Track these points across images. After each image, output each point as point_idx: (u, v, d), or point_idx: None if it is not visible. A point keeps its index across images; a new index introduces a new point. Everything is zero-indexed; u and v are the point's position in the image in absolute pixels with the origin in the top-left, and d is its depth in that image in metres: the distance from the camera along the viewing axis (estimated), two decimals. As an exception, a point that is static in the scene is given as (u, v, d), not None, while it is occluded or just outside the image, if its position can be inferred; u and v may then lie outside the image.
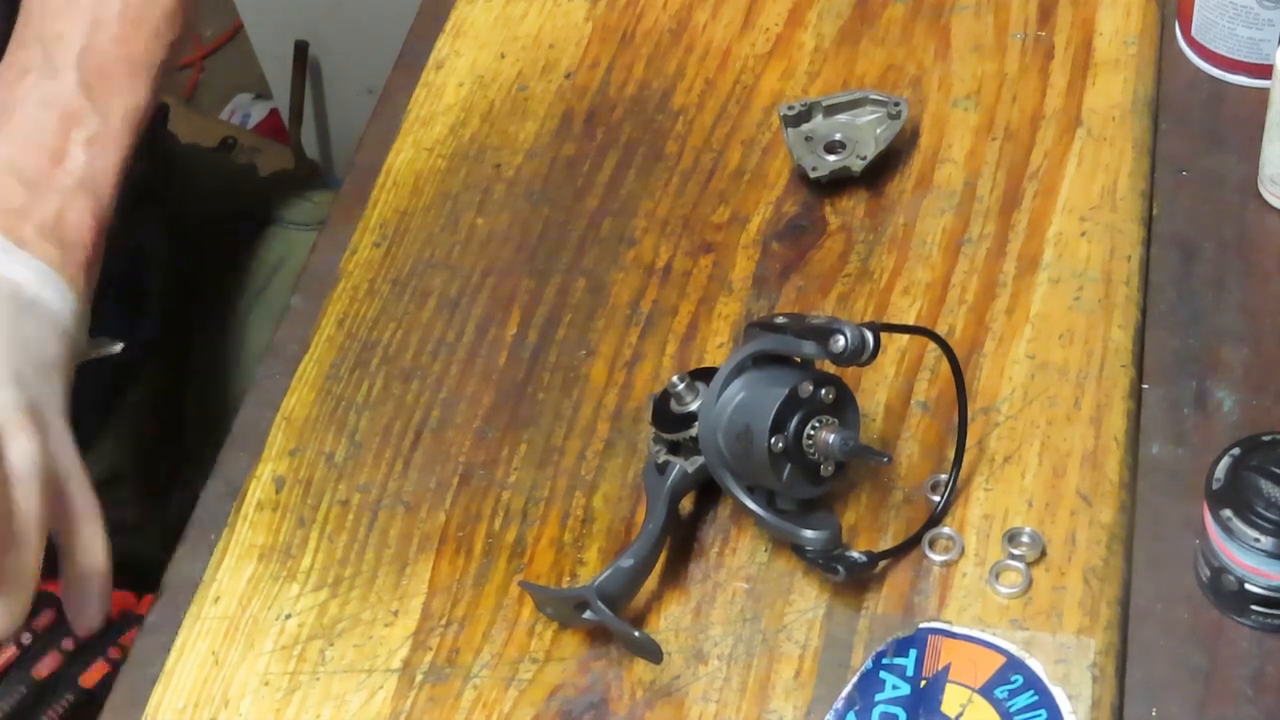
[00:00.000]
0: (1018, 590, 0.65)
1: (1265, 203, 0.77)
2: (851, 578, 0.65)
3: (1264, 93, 0.74)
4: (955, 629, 0.64)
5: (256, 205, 1.01)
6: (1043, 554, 0.66)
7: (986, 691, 0.62)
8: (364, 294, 0.82)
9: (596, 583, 0.65)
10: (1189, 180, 0.79)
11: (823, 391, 0.66)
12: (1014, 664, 0.63)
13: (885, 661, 0.64)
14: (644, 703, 0.65)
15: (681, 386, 0.68)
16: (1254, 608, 0.63)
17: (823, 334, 0.63)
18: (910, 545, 0.67)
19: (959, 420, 0.68)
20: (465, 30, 0.93)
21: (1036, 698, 0.62)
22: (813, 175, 0.80)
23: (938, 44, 0.87)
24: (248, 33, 1.76)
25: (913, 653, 0.64)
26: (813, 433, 0.65)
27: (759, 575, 0.68)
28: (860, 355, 0.63)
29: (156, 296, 0.95)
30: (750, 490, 0.66)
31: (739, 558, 0.69)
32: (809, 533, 0.65)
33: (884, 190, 0.81)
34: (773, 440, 0.64)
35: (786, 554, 0.68)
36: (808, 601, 0.67)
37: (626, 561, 0.66)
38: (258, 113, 2.00)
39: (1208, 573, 0.64)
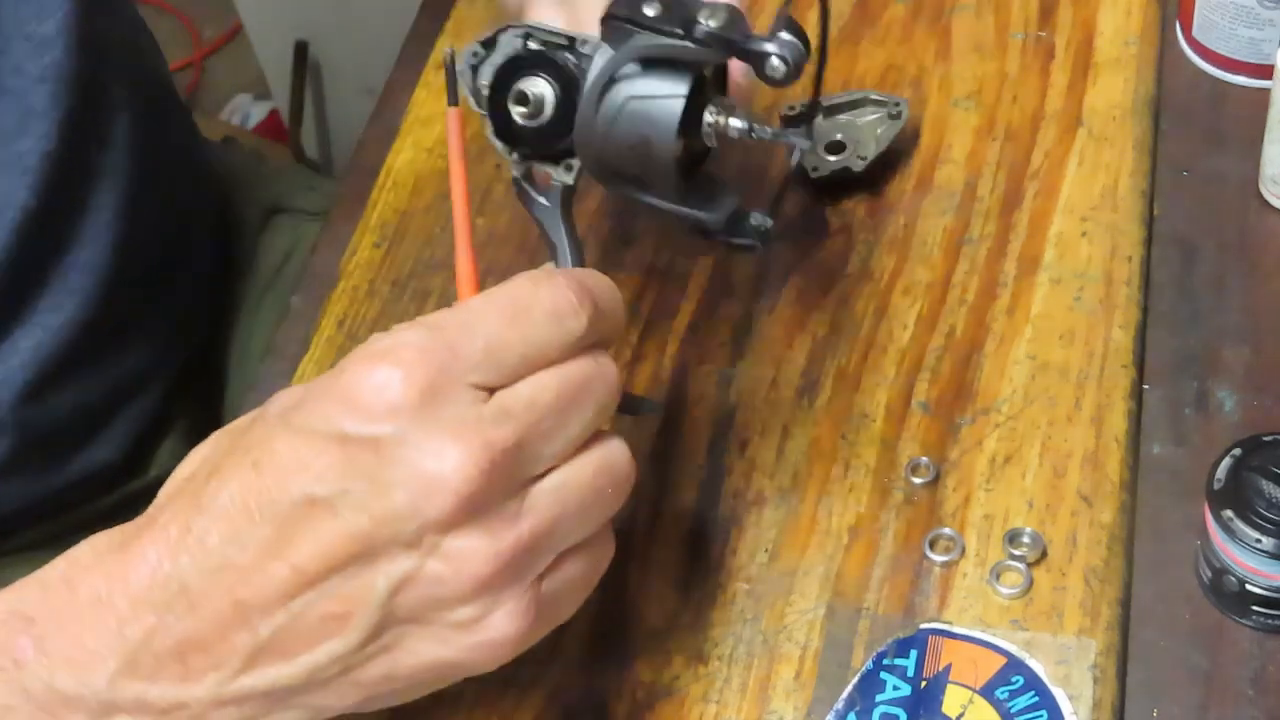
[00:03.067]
0: (1018, 591, 0.65)
1: (1266, 203, 0.77)
2: (765, 244, 0.60)
3: (1265, 93, 0.74)
4: (956, 629, 0.64)
5: (264, 194, 1.02)
6: (1043, 554, 0.66)
7: (987, 692, 0.62)
8: (364, 295, 0.81)
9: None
10: (1190, 180, 0.79)
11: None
12: (1015, 664, 0.63)
13: (886, 662, 0.64)
14: (644, 703, 0.65)
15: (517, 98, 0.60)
16: (1255, 608, 0.63)
17: (742, 52, 0.58)
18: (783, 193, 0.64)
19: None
20: (465, 30, 0.93)
21: (1037, 698, 0.62)
22: (813, 175, 0.80)
23: (938, 44, 0.87)
24: (248, 33, 1.76)
25: (913, 653, 0.64)
26: (712, 120, 0.60)
27: (759, 575, 0.68)
28: (799, 70, 0.58)
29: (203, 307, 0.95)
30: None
31: (739, 558, 0.69)
32: (709, 214, 0.60)
33: (884, 190, 0.81)
34: (678, 145, 0.59)
35: (787, 554, 0.68)
36: (808, 602, 0.67)
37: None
38: (258, 113, 2.00)
39: (1209, 573, 0.64)
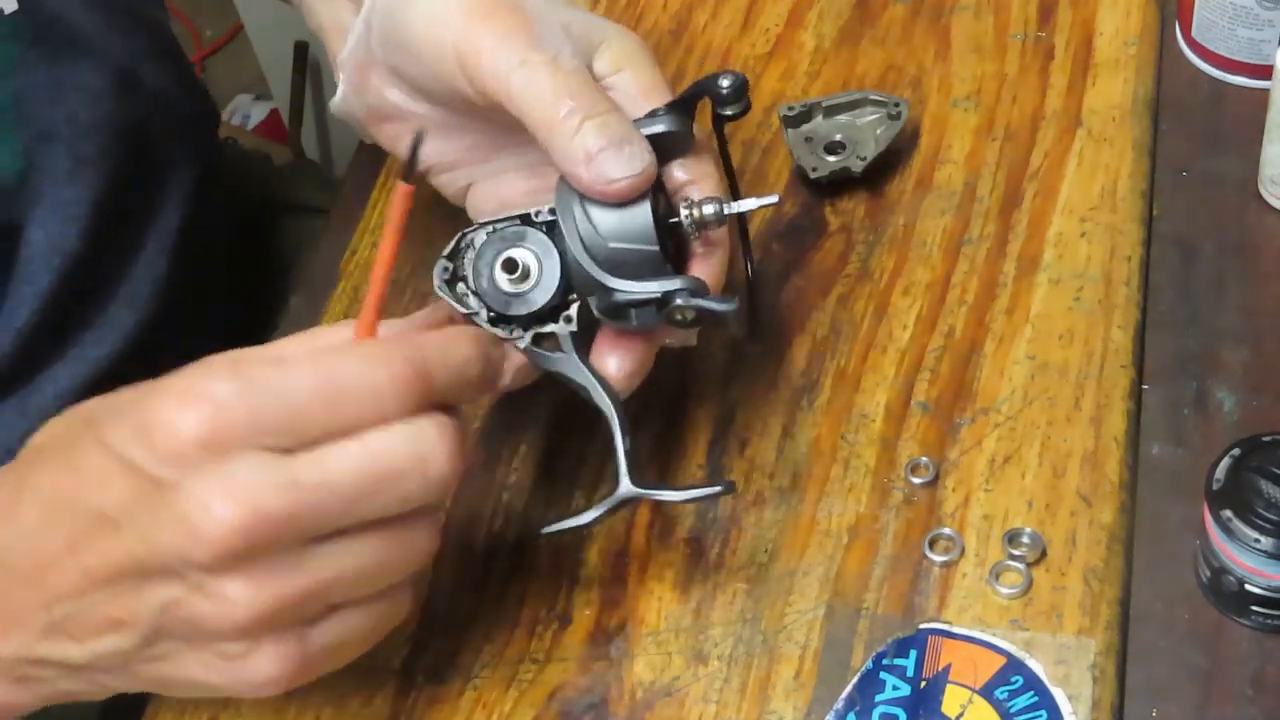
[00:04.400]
0: (1018, 591, 0.65)
1: (1265, 203, 0.77)
2: (735, 317, 0.63)
3: (1264, 93, 0.74)
4: (955, 629, 0.64)
5: (271, 191, 1.02)
6: (1043, 554, 0.66)
7: (987, 692, 0.62)
8: (364, 294, 0.81)
9: (628, 482, 0.63)
10: (1189, 180, 0.79)
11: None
12: (1014, 664, 0.63)
13: (885, 662, 0.64)
14: (644, 703, 0.65)
15: (499, 273, 0.63)
16: (1254, 608, 0.63)
17: (693, 92, 0.64)
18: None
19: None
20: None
21: (1037, 698, 0.62)
22: (813, 176, 0.80)
23: (938, 44, 0.87)
24: (248, 33, 1.76)
25: (913, 653, 0.64)
26: (688, 213, 0.63)
27: (759, 575, 0.68)
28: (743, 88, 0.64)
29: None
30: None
31: (739, 558, 0.69)
32: (678, 282, 0.62)
33: (884, 191, 0.81)
34: (661, 245, 0.62)
35: (787, 554, 0.68)
36: (808, 602, 0.67)
37: (625, 444, 0.63)
38: (258, 113, 2.00)
39: (1208, 573, 0.64)
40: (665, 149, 0.65)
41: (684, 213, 0.64)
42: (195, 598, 0.53)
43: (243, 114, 2.03)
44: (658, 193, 0.64)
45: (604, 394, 0.64)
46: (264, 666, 0.54)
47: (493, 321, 0.64)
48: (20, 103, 0.77)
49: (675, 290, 0.62)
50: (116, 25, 0.81)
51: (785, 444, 0.72)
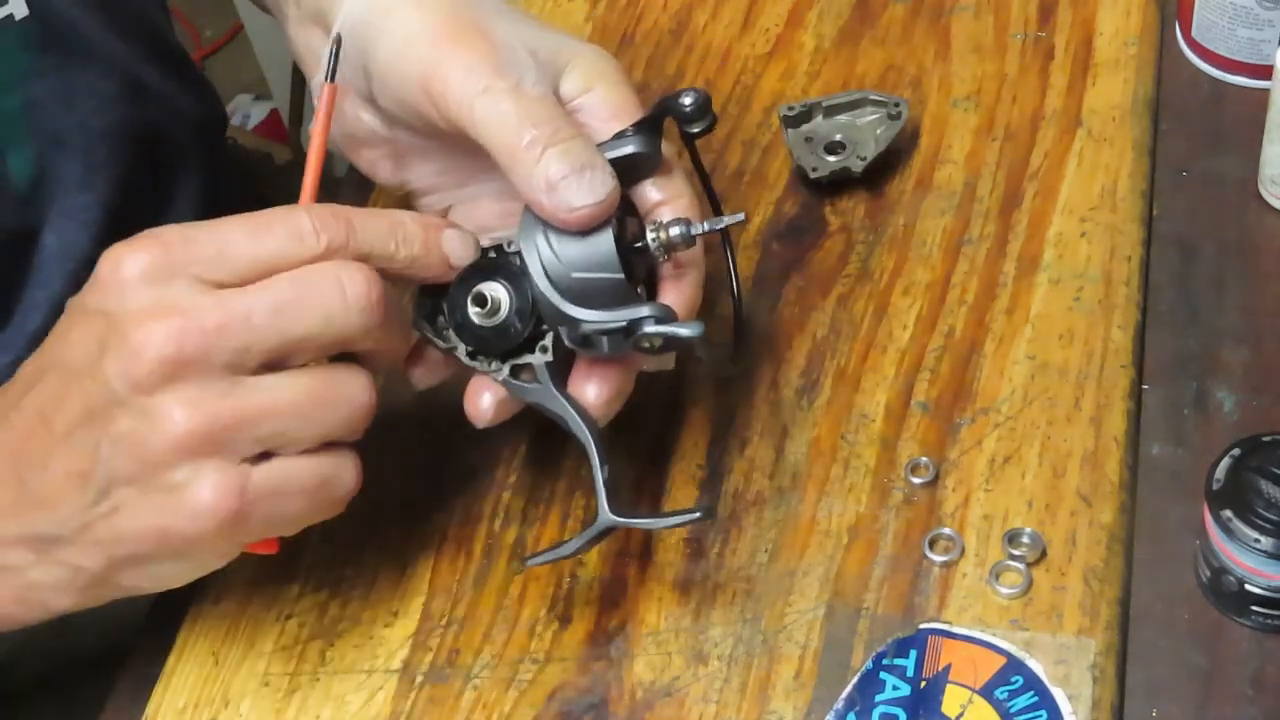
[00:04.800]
0: (1018, 591, 0.65)
1: (1265, 203, 0.77)
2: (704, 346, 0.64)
3: (1264, 93, 0.74)
4: (955, 629, 0.64)
5: (272, 191, 1.02)
6: (1043, 554, 0.66)
7: (987, 692, 0.62)
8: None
9: (608, 511, 0.63)
10: (1189, 180, 0.79)
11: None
12: (1014, 664, 0.63)
13: (885, 662, 0.64)
14: (644, 703, 0.65)
15: (472, 308, 0.64)
16: (1254, 608, 0.63)
17: (659, 111, 0.64)
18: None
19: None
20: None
21: (1037, 698, 0.62)
22: (813, 176, 0.80)
23: (938, 44, 0.87)
24: (248, 33, 1.77)
25: (913, 653, 0.64)
26: (654, 236, 0.63)
27: (759, 576, 0.68)
28: (707, 105, 0.64)
29: None
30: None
31: (739, 558, 0.69)
32: (646, 309, 0.62)
33: (884, 190, 0.81)
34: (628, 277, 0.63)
35: (787, 554, 0.68)
36: (808, 602, 0.67)
37: (604, 474, 0.64)
38: (258, 113, 2.01)
39: (1208, 573, 0.64)
40: (635, 170, 0.65)
41: (650, 235, 0.63)
42: (137, 422, 0.57)
43: (243, 114, 2.03)
44: (623, 218, 0.64)
45: (581, 424, 0.64)
46: (204, 494, 0.57)
47: (471, 355, 0.65)
48: (31, 110, 0.77)
49: (640, 318, 0.62)
50: (124, 30, 0.81)
51: (785, 444, 0.72)
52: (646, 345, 0.62)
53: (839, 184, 0.81)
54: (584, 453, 0.64)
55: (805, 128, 0.82)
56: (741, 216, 0.65)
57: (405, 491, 0.74)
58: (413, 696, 0.67)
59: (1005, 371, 0.73)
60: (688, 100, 0.64)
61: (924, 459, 0.70)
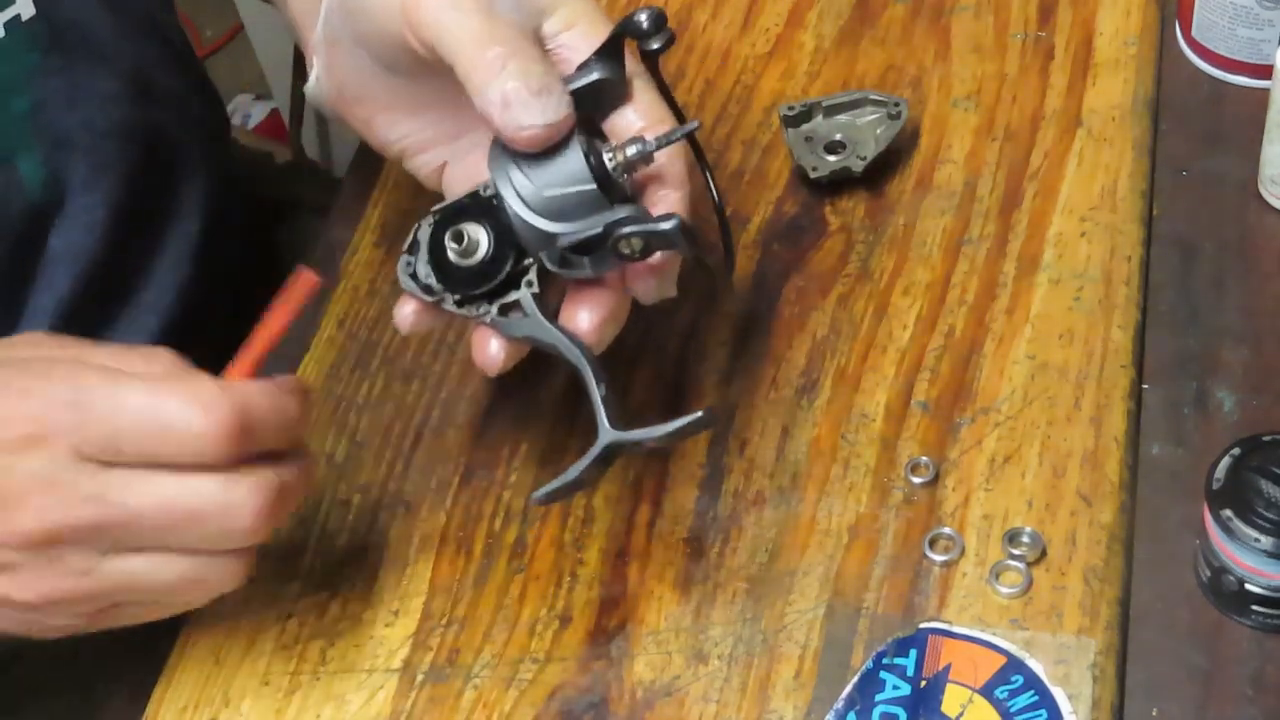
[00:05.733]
0: (1018, 590, 0.65)
1: (1265, 203, 0.77)
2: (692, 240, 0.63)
3: (1264, 93, 0.74)
4: (955, 629, 0.64)
5: (271, 191, 1.02)
6: (1043, 554, 0.66)
7: (987, 691, 0.62)
8: (364, 294, 0.82)
9: (608, 427, 0.63)
10: (1189, 180, 0.79)
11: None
12: (1014, 664, 0.63)
13: (885, 661, 0.64)
14: (644, 703, 0.65)
15: (451, 239, 0.64)
16: (1254, 608, 0.63)
17: (619, 32, 0.64)
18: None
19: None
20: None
21: (1037, 698, 0.62)
22: (813, 175, 0.80)
23: (938, 44, 0.87)
24: (248, 33, 1.76)
25: (913, 653, 0.64)
26: (610, 158, 0.63)
27: (759, 575, 0.68)
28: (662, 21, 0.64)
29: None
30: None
31: (739, 558, 0.69)
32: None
33: (884, 190, 0.81)
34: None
35: (787, 554, 0.68)
36: (808, 601, 0.67)
37: (601, 390, 0.63)
38: (258, 113, 2.00)
39: (1208, 573, 0.64)
40: (604, 97, 0.65)
41: (607, 156, 0.64)
42: (3, 574, 0.58)
43: (243, 114, 2.03)
44: (592, 141, 0.64)
45: (571, 346, 0.64)
46: (51, 631, 0.61)
47: (459, 303, 0.64)
48: (37, 112, 0.77)
49: (615, 220, 0.62)
50: (129, 30, 0.81)
51: (785, 444, 0.72)
52: (627, 250, 0.62)
53: (839, 184, 0.81)
54: (579, 378, 0.63)
55: (805, 127, 0.82)
56: (697, 124, 0.65)
57: (405, 491, 0.74)
58: (413, 696, 0.67)
59: (1005, 371, 0.73)
60: (643, 17, 0.64)
61: (924, 459, 0.70)
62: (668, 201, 0.65)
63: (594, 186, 0.63)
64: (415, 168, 0.72)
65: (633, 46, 0.65)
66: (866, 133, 0.81)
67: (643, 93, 0.66)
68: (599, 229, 0.62)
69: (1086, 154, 0.80)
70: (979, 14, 0.88)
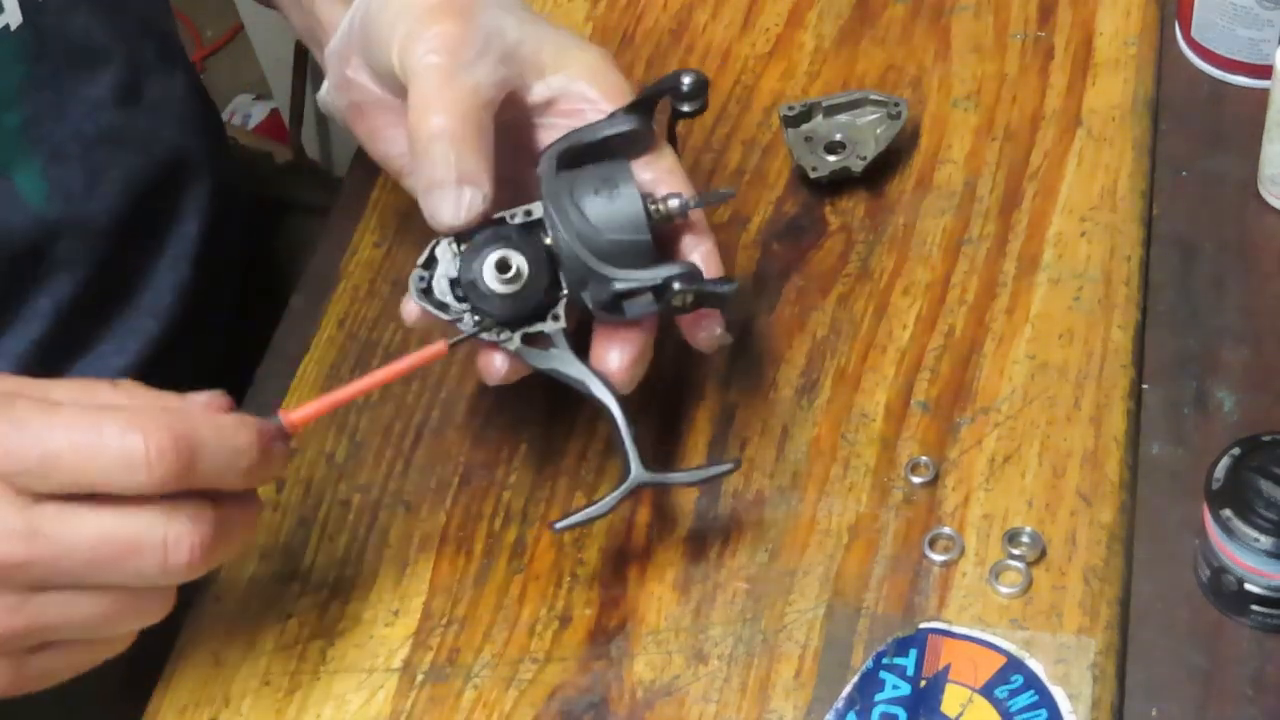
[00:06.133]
0: (1018, 590, 0.65)
1: (1265, 203, 0.77)
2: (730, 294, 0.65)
3: (1264, 93, 0.74)
4: (955, 629, 0.64)
5: (271, 191, 1.02)
6: (1043, 554, 0.66)
7: (987, 691, 0.62)
8: (364, 294, 0.82)
9: (639, 468, 0.64)
10: (1189, 180, 0.79)
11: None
12: (1014, 664, 0.63)
13: (885, 661, 0.64)
14: (644, 703, 0.65)
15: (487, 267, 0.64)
16: (1254, 607, 0.63)
17: (655, 91, 0.66)
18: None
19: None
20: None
21: (1036, 697, 0.62)
22: (813, 175, 0.80)
23: (938, 44, 0.87)
24: (248, 33, 1.76)
25: (913, 653, 0.64)
26: (653, 208, 0.65)
27: (759, 575, 0.68)
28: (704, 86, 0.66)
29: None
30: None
31: (739, 558, 0.69)
32: (676, 268, 0.64)
33: (884, 190, 0.81)
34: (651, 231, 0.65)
35: (787, 554, 0.68)
36: (808, 601, 0.67)
37: (630, 430, 0.65)
38: (258, 113, 2.01)
39: (1208, 573, 0.64)
40: (629, 147, 0.67)
41: (652, 209, 0.65)
42: None
43: (243, 114, 2.03)
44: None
45: (602, 385, 0.65)
46: None
47: (478, 324, 0.64)
48: (30, 125, 0.76)
49: (674, 275, 0.63)
50: (119, 33, 0.81)
51: (785, 444, 0.72)
52: (679, 304, 0.64)
53: (839, 184, 0.81)
54: (607, 416, 0.65)
55: (805, 127, 0.82)
56: (733, 192, 0.68)
57: (405, 491, 0.74)
58: (413, 696, 0.67)
59: (1005, 371, 0.73)
60: (686, 80, 0.66)
61: (924, 458, 0.70)
62: (700, 251, 0.67)
63: (649, 238, 0.64)
64: (411, 186, 0.72)
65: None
66: (866, 133, 0.81)
67: (660, 147, 0.68)
68: (658, 281, 0.64)
69: (1086, 154, 0.80)
70: (979, 14, 0.88)
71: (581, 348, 0.66)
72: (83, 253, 0.79)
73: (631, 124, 0.66)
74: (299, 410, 0.61)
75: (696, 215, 0.68)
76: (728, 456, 0.72)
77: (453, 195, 0.63)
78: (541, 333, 0.65)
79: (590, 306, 0.65)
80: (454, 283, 0.64)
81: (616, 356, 0.65)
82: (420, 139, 0.63)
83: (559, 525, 0.64)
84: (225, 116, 1.98)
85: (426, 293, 0.65)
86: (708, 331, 0.68)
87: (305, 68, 1.69)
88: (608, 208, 0.64)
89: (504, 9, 0.67)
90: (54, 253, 0.79)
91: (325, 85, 0.73)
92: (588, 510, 0.64)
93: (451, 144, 0.63)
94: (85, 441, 0.55)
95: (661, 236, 0.66)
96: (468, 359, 0.78)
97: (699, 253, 0.67)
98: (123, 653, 0.71)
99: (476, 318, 0.64)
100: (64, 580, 0.56)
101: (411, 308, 0.66)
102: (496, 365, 0.66)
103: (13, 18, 0.74)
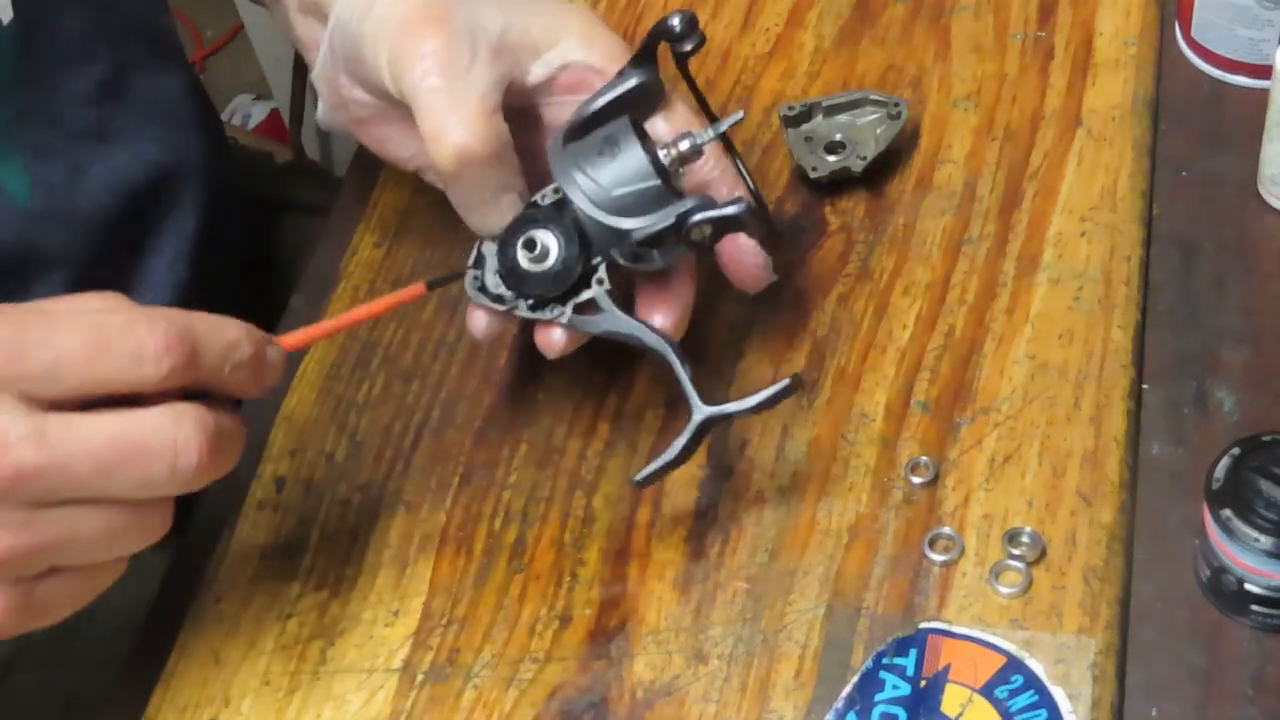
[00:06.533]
0: (1018, 590, 0.65)
1: (1265, 203, 0.77)
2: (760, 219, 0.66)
3: (1264, 93, 0.74)
4: (955, 629, 0.64)
5: (271, 191, 1.02)
6: (1043, 554, 0.66)
7: (987, 691, 0.62)
8: (365, 294, 0.82)
9: (701, 405, 0.66)
10: (1189, 180, 0.79)
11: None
12: (1014, 664, 0.63)
13: (885, 661, 0.64)
14: (644, 703, 0.65)
15: (521, 251, 0.66)
16: (1254, 607, 0.63)
17: (651, 37, 0.67)
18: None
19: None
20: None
21: (1036, 697, 0.62)
22: (813, 175, 0.80)
23: (938, 44, 0.87)
24: (248, 33, 1.76)
25: (913, 653, 0.64)
26: (665, 153, 0.67)
27: (759, 575, 0.68)
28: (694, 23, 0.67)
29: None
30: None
31: (739, 558, 0.69)
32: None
33: (884, 190, 0.81)
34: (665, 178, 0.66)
35: (787, 554, 0.68)
36: (808, 601, 0.67)
37: (688, 372, 0.66)
38: (258, 113, 2.01)
39: (1207, 573, 0.64)
40: (643, 102, 0.68)
41: (662, 154, 0.67)
42: None
43: (243, 114, 2.03)
44: (645, 136, 0.67)
45: (655, 335, 0.67)
46: None
47: (532, 308, 0.67)
48: (19, 121, 0.76)
49: (686, 210, 0.65)
50: (108, 30, 0.80)
51: (785, 444, 0.72)
52: (698, 237, 0.66)
53: (839, 184, 0.81)
54: (664, 361, 0.66)
55: (805, 127, 0.82)
56: (741, 115, 0.68)
57: (405, 491, 0.74)
58: (413, 696, 0.67)
59: (1005, 371, 0.73)
60: (675, 21, 0.68)
61: (924, 458, 0.70)
62: (726, 182, 0.70)
63: (659, 181, 0.66)
64: (434, 181, 0.73)
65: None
66: (866, 133, 0.81)
67: (670, 98, 0.70)
68: (671, 220, 0.65)
69: (1086, 154, 0.80)
70: (979, 14, 0.88)
71: (628, 300, 0.68)
72: (72, 249, 0.79)
73: (638, 78, 0.67)
74: (289, 335, 0.64)
75: (712, 152, 0.69)
76: (728, 454, 0.72)
77: (494, 208, 0.66)
78: (590, 300, 0.67)
79: (622, 264, 0.67)
80: (501, 275, 0.67)
81: (661, 319, 0.68)
82: (445, 167, 0.65)
83: (639, 478, 0.66)
84: (225, 116, 1.99)
85: (482, 290, 0.67)
86: (748, 270, 0.70)
87: (305, 67, 1.69)
88: (613, 165, 0.66)
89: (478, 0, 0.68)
90: (43, 249, 0.79)
91: (320, 106, 0.74)
92: (662, 458, 0.66)
93: (477, 165, 0.65)
94: (92, 340, 0.54)
95: (696, 183, 0.69)
96: (469, 357, 0.78)
97: (725, 183, 0.69)
98: (123, 653, 0.71)
99: (529, 301, 0.66)
100: (72, 490, 0.55)
101: (480, 317, 0.69)
102: (555, 339, 0.67)
103: (4, 13, 0.74)
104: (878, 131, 0.81)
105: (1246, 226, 0.76)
